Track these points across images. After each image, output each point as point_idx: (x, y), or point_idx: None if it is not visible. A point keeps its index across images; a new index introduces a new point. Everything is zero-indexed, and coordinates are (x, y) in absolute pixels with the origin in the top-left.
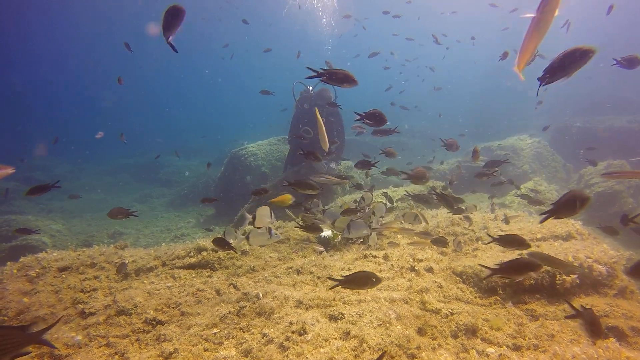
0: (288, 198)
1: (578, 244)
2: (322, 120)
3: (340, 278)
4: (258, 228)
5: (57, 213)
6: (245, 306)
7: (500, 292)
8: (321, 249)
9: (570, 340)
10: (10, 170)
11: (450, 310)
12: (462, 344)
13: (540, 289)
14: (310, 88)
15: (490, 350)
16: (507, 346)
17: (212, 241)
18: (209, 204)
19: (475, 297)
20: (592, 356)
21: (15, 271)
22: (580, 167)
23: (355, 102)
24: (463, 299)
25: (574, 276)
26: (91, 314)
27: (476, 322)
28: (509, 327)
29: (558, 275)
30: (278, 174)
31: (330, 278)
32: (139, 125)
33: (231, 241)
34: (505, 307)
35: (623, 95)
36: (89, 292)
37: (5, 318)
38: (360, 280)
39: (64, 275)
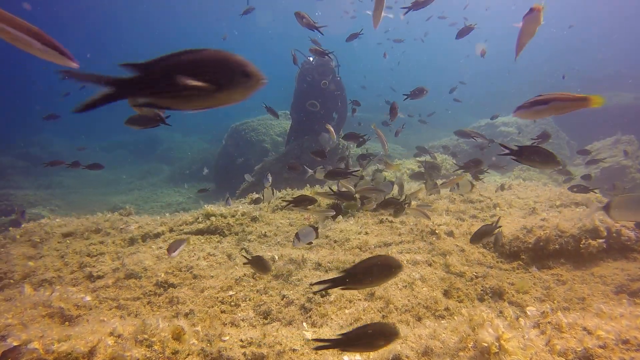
0: None
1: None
2: (328, 88)
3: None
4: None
5: (56, 188)
6: None
7: (523, 257)
8: (332, 212)
9: (602, 303)
10: None
11: (475, 274)
12: (489, 307)
13: (565, 253)
14: (311, 59)
15: (531, 308)
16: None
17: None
18: (207, 183)
19: (498, 262)
20: None
21: (18, 236)
22: (584, 143)
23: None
24: (485, 264)
25: (601, 240)
26: (99, 277)
27: (502, 285)
28: (536, 290)
29: (583, 240)
30: (279, 149)
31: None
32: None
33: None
34: (530, 272)
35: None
36: (95, 256)
37: (12, 281)
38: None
39: (68, 241)
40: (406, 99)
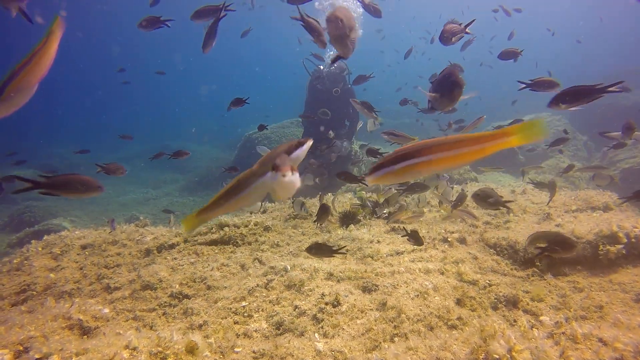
0: None
1: (620, 215)
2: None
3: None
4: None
5: (75, 199)
6: (274, 279)
7: (538, 264)
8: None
9: (621, 311)
10: None
11: (488, 282)
12: (503, 316)
13: (582, 260)
14: (322, 67)
15: (545, 318)
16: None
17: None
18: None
19: (512, 269)
20: None
21: (40, 249)
22: (602, 144)
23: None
24: (499, 271)
25: (620, 246)
26: (116, 288)
27: (517, 294)
28: (552, 298)
29: (601, 246)
30: None
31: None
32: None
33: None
34: (545, 279)
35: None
36: (112, 268)
37: (34, 292)
38: None
39: (87, 253)
40: (524, 89)
